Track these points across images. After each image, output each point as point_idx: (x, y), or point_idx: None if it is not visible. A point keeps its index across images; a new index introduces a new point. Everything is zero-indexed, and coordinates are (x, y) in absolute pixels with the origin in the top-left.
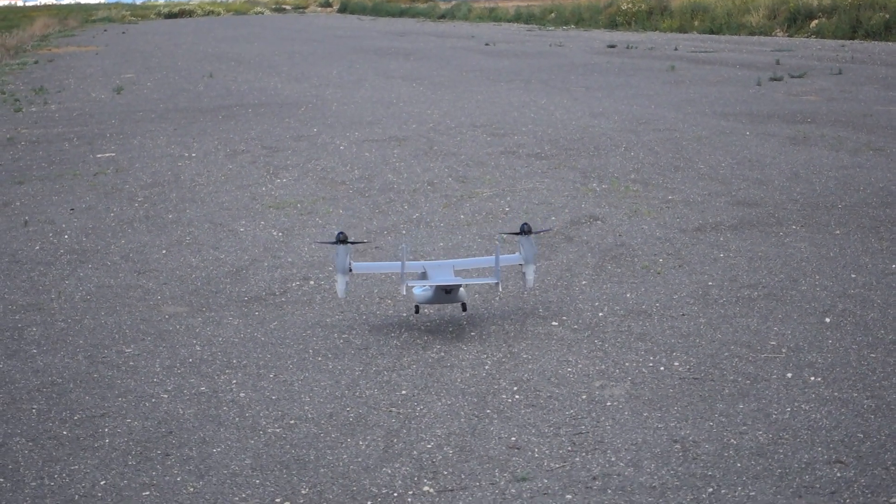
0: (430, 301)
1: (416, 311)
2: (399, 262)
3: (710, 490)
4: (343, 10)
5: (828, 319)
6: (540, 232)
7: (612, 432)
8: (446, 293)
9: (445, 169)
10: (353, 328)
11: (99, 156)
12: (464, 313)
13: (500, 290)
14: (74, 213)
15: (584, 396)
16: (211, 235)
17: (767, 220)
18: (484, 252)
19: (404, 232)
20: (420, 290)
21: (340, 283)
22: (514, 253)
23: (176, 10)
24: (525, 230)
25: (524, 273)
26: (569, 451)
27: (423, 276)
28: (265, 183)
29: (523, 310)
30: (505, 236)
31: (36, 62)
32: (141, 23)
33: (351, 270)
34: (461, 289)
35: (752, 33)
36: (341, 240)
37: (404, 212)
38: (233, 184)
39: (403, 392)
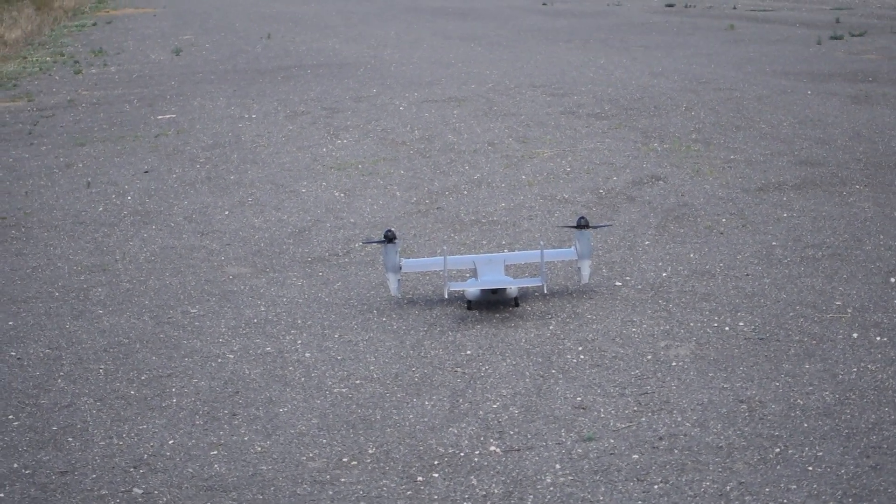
0: (480, 299)
1: (469, 308)
2: (448, 259)
3: (777, 450)
4: None
5: (893, 279)
6: (599, 227)
7: (677, 392)
8: (493, 292)
9: (505, 129)
10: (416, 289)
11: (160, 117)
12: (516, 308)
13: (546, 291)
14: (139, 174)
15: (649, 357)
16: (273, 196)
17: (830, 179)
18: (544, 217)
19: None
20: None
21: (392, 282)
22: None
23: None
24: (581, 224)
25: (579, 269)
26: (635, 411)
27: (474, 271)
28: (325, 144)
29: None
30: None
31: (94, 24)
32: None
33: (401, 268)
34: (512, 286)
35: None
36: (389, 238)
37: (465, 172)
38: (293, 145)
39: (468, 352)
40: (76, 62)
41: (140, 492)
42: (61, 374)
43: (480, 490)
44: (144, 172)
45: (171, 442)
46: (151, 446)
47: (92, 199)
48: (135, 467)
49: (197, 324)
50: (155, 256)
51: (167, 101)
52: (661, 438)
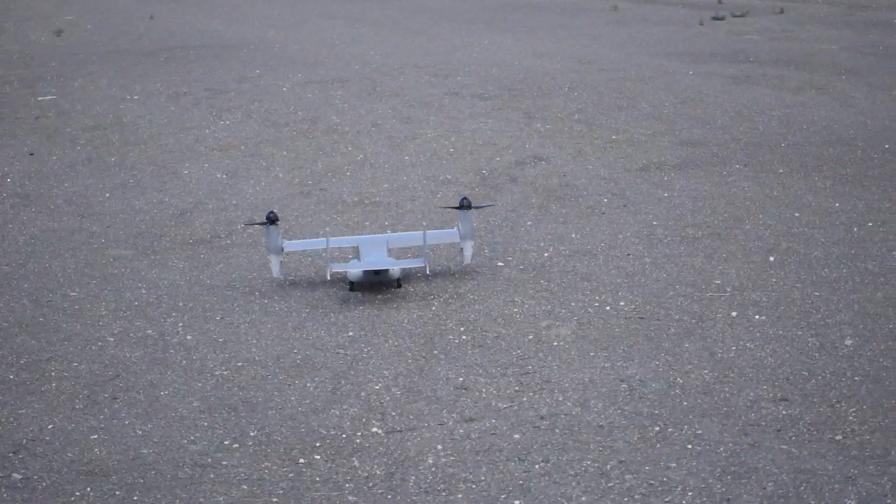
0: (362, 280)
1: (351, 289)
2: (331, 240)
3: (657, 428)
4: None
5: (772, 258)
6: (481, 207)
7: (558, 372)
8: (375, 274)
9: (389, 110)
10: (298, 270)
11: (40, 99)
12: (399, 289)
13: (429, 272)
14: (19, 156)
15: (530, 336)
16: (154, 178)
17: (711, 159)
18: (427, 198)
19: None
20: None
21: (275, 264)
22: (451, 228)
23: None
24: (464, 205)
25: (462, 249)
26: (516, 391)
27: (356, 252)
28: (208, 125)
29: None
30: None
31: None
32: None
33: (283, 250)
34: (394, 267)
35: None
36: (271, 219)
37: (348, 153)
38: (175, 126)
39: (350, 334)
40: None
41: (19, 477)
42: None
43: (362, 471)
44: (30, 155)
45: (50, 426)
46: (30, 431)
47: None
48: (14, 452)
49: (77, 307)
50: (34, 239)
51: (48, 82)
52: (542, 418)
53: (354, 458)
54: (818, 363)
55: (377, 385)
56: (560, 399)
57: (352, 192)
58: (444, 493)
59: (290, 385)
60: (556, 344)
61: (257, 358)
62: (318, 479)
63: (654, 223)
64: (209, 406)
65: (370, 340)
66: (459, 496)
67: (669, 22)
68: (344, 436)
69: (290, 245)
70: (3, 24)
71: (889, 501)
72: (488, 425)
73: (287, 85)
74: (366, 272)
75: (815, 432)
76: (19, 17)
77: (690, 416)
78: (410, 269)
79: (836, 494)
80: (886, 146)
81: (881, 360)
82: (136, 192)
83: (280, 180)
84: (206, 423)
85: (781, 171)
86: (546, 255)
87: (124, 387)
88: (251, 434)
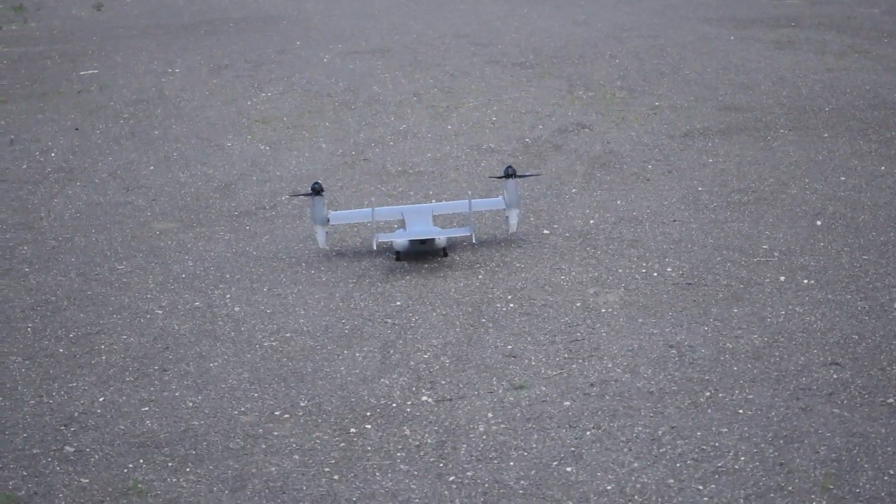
0: (408, 249)
1: (398, 259)
2: (376, 210)
3: (708, 394)
4: None
5: (819, 222)
6: (526, 176)
7: (607, 339)
8: (421, 243)
9: (430, 80)
10: (344, 241)
11: (82, 73)
12: (445, 258)
13: (475, 241)
14: (63, 131)
15: (578, 304)
16: (198, 151)
17: (755, 124)
18: (471, 167)
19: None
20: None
21: (320, 235)
22: (496, 196)
23: None
24: (509, 174)
25: (507, 217)
26: (565, 358)
27: (402, 222)
28: (250, 97)
29: None
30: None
31: None
32: None
33: (329, 221)
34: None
35: None
36: (316, 190)
37: (391, 123)
38: (218, 99)
39: (398, 303)
40: None
41: (72, 450)
42: None
43: (413, 440)
44: (76, 130)
45: (101, 399)
46: (82, 404)
47: (16, 156)
48: (65, 425)
49: (125, 280)
50: (80, 213)
51: (89, 57)
52: (592, 385)
53: (405, 427)
54: (868, 327)
55: (426, 354)
56: (609, 366)
57: (395, 163)
58: (495, 461)
59: (339, 355)
60: (604, 311)
61: (306, 328)
62: (369, 448)
63: (700, 189)
64: (259, 377)
65: (418, 310)
66: (511, 463)
67: None
68: (394, 405)
69: (336, 216)
70: None
71: None
72: (538, 392)
73: (328, 56)
74: (412, 241)
75: (866, 396)
76: None
77: (741, 381)
78: (456, 238)
79: (890, 457)
80: None
81: None
82: (181, 164)
83: (323, 151)
84: (256, 394)
85: (826, 135)
86: (592, 222)
87: (174, 359)
88: (301, 404)
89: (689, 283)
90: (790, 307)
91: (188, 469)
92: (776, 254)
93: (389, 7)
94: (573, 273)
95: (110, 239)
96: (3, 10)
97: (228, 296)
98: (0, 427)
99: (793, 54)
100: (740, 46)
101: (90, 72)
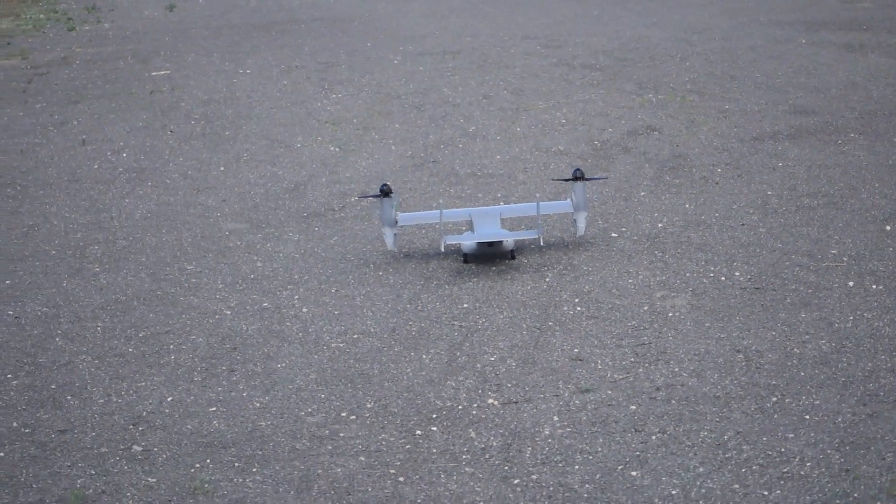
0: (476, 252)
1: (465, 261)
2: (444, 212)
3: (775, 399)
4: None
5: (888, 227)
6: (594, 179)
7: (674, 343)
8: (489, 245)
9: (500, 82)
10: (412, 242)
11: (154, 74)
12: (512, 260)
13: (542, 243)
14: (134, 131)
15: (645, 307)
16: (268, 152)
17: (825, 128)
18: (539, 169)
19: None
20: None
21: (388, 237)
22: (564, 199)
23: None
24: (577, 176)
25: (575, 220)
26: (632, 362)
27: (470, 224)
28: (320, 98)
29: None
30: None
31: None
32: None
33: (397, 222)
34: (508, 239)
35: None
36: (385, 192)
37: (460, 125)
38: (288, 100)
39: (465, 305)
40: (69, 19)
41: (139, 449)
42: (59, 332)
43: (479, 443)
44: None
45: (169, 399)
46: (150, 403)
47: (87, 156)
48: (134, 424)
49: (194, 280)
50: (151, 213)
51: (161, 57)
52: (658, 389)
53: (471, 430)
54: None
55: (493, 357)
56: (676, 370)
57: (464, 164)
58: (560, 465)
59: (405, 357)
60: (671, 315)
61: (373, 330)
62: (434, 450)
63: (769, 193)
64: (326, 378)
65: (485, 312)
66: (577, 467)
67: None
68: (460, 407)
69: (404, 217)
70: None
71: None
72: (604, 396)
73: (398, 57)
74: (479, 244)
75: None
76: None
77: (808, 387)
78: (524, 240)
79: None
80: None
81: None
82: (250, 165)
83: (392, 153)
84: (323, 395)
85: None
86: (660, 225)
87: (242, 359)
88: (368, 406)
89: (757, 288)
90: (858, 312)
91: (254, 469)
92: (845, 259)
93: (459, 8)
94: (640, 276)
95: (180, 239)
96: (77, 11)
97: (296, 297)
98: (69, 426)
99: (864, 58)
100: (811, 50)
101: (162, 72)
